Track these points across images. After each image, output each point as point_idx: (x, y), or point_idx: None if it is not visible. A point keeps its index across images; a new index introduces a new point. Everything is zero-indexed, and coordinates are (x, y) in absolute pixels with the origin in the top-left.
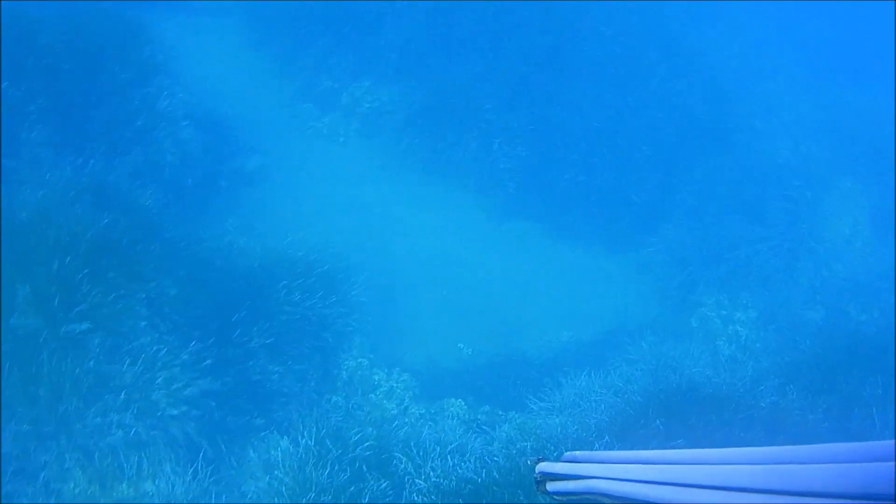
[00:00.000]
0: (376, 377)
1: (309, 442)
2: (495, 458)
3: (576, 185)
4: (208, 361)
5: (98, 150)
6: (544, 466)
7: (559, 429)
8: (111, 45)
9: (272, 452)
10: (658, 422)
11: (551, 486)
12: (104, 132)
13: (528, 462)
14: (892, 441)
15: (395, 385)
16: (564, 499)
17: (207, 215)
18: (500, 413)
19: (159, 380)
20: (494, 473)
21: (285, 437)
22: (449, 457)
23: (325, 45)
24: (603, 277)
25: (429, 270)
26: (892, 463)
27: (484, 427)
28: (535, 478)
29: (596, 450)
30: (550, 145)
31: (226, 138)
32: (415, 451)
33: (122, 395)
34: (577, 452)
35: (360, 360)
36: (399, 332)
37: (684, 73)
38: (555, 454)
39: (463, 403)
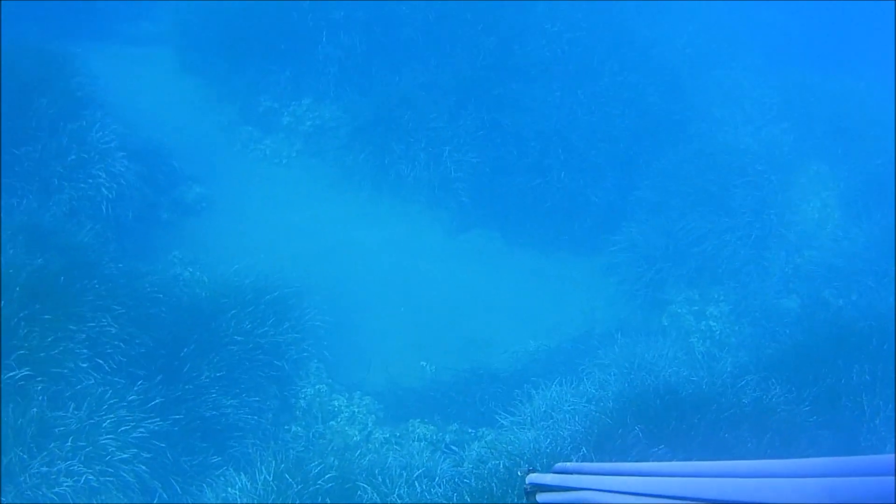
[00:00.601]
0: (336, 403)
1: (267, 477)
2: (466, 480)
3: (531, 189)
4: (157, 400)
5: (30, 189)
6: (535, 477)
7: (532, 444)
8: (36, 80)
9: (230, 490)
10: (637, 428)
11: (541, 498)
12: (35, 170)
13: (519, 473)
14: (891, 455)
15: (356, 410)
16: None
17: (150, 249)
18: (470, 431)
19: (106, 423)
20: (466, 496)
21: (242, 473)
22: (417, 483)
23: (262, 65)
24: (567, 282)
25: (385, 289)
26: (892, 477)
27: (452, 447)
28: (525, 489)
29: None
30: (502, 150)
31: (164, 168)
32: (380, 480)
33: (69, 442)
34: (568, 464)
35: (318, 386)
36: (358, 354)
37: (636, 67)
38: (541, 466)
39: (429, 424)
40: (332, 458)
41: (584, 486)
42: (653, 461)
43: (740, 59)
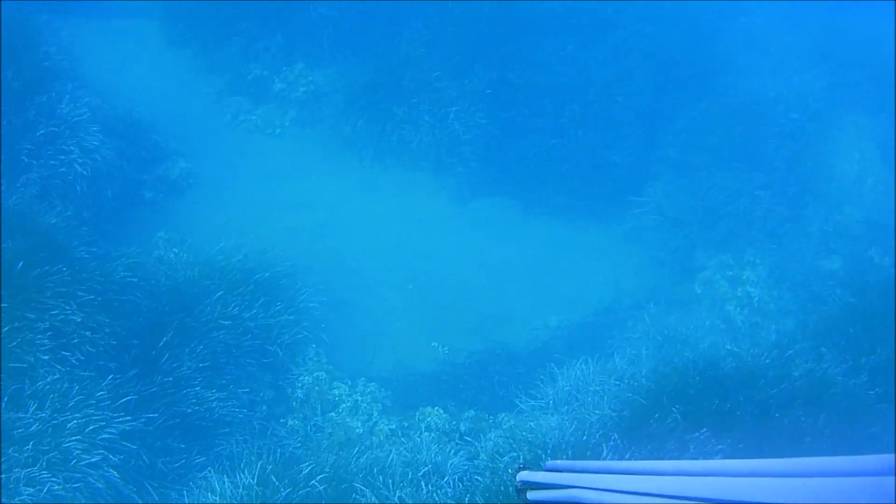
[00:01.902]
0: (337, 392)
1: (250, 480)
2: (477, 478)
3: (547, 150)
4: (130, 397)
5: None
6: (525, 475)
7: (556, 431)
8: None
9: (210, 496)
10: (675, 410)
11: (532, 496)
12: (0, 149)
13: (510, 471)
14: (891, 455)
15: (359, 399)
16: None
17: (132, 231)
18: (487, 418)
19: (72, 424)
20: (478, 497)
21: (224, 476)
22: (423, 482)
23: (251, 30)
24: (589, 251)
25: (390, 265)
26: (892, 477)
27: (467, 438)
28: (516, 486)
29: (605, 455)
30: (513, 109)
31: (146, 144)
32: (380, 480)
33: (30, 446)
34: (559, 461)
35: (317, 373)
36: (361, 337)
37: (654, 17)
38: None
39: (441, 411)
40: (329, 455)
41: (576, 484)
42: (694, 448)
43: (765, 4)
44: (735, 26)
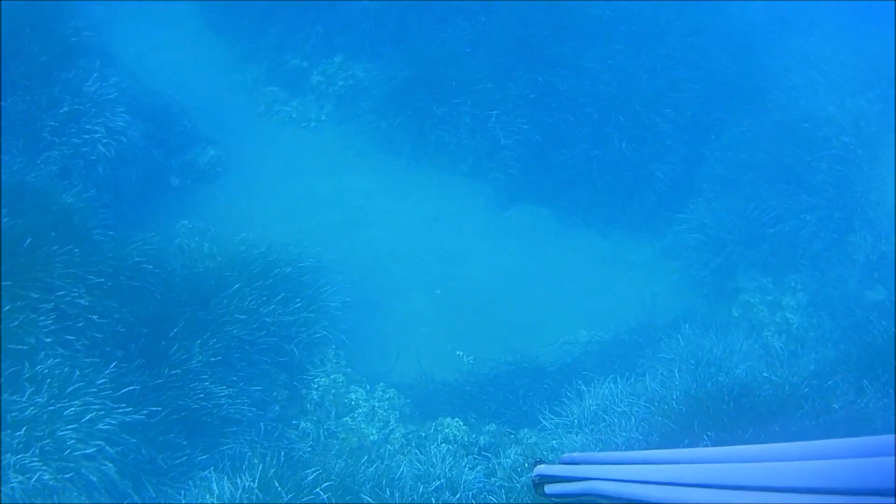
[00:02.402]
0: (354, 396)
1: (251, 483)
2: (492, 497)
3: (588, 160)
4: (134, 386)
5: (15, 144)
6: (542, 469)
7: (578, 450)
8: (27, 26)
9: (208, 498)
10: (706, 437)
11: (549, 489)
12: (22, 124)
13: (526, 465)
14: (890, 436)
15: (377, 404)
16: (562, 500)
17: (155, 217)
18: (508, 433)
19: (69, 411)
20: None
21: (225, 477)
22: (433, 497)
23: (290, 19)
24: (625, 266)
25: (419, 268)
26: (892, 458)
27: (486, 453)
28: (533, 480)
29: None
30: (556, 116)
31: (176, 129)
32: (387, 493)
33: (22, 432)
34: (576, 454)
35: (334, 376)
36: (383, 341)
37: (705, 27)
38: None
39: (461, 423)
40: (338, 462)
41: (592, 476)
42: None
43: (820, 23)
44: (789, 43)
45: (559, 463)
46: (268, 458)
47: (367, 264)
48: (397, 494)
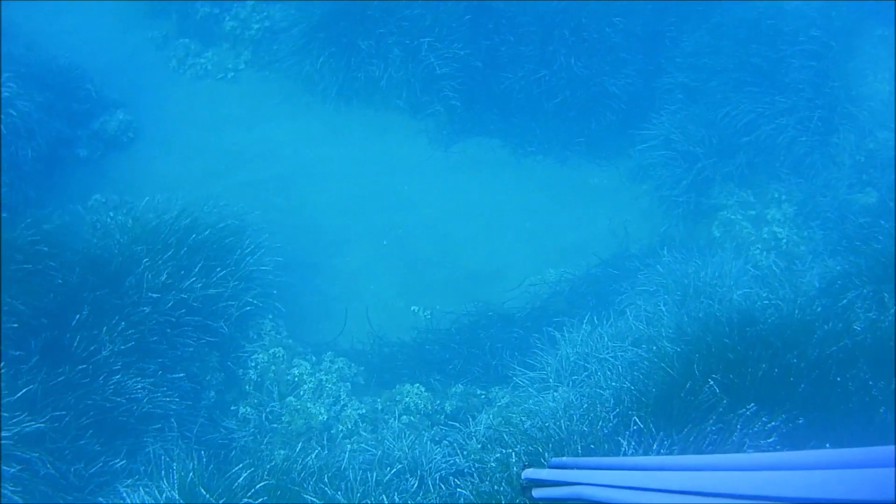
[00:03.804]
0: (297, 370)
1: (171, 494)
2: (457, 482)
3: (535, 82)
4: (30, 387)
5: None
6: (530, 472)
7: (561, 412)
8: None
9: None
10: (712, 381)
11: (537, 493)
12: None
13: (515, 469)
14: (891, 447)
15: (324, 378)
16: None
17: (62, 193)
18: (478, 394)
19: None
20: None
21: (140, 488)
22: (394, 488)
23: None
24: (590, 194)
25: (360, 219)
26: (892, 469)
27: (453, 422)
28: (521, 484)
29: (625, 448)
30: (495, 38)
31: (78, 96)
32: (331, 491)
33: None
34: (564, 458)
35: (273, 350)
36: (326, 304)
37: None
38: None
39: (423, 389)
40: (279, 454)
41: (581, 481)
42: (742, 427)
43: None
44: None
45: (548, 467)
46: (196, 459)
47: (302, 221)
48: (349, 488)
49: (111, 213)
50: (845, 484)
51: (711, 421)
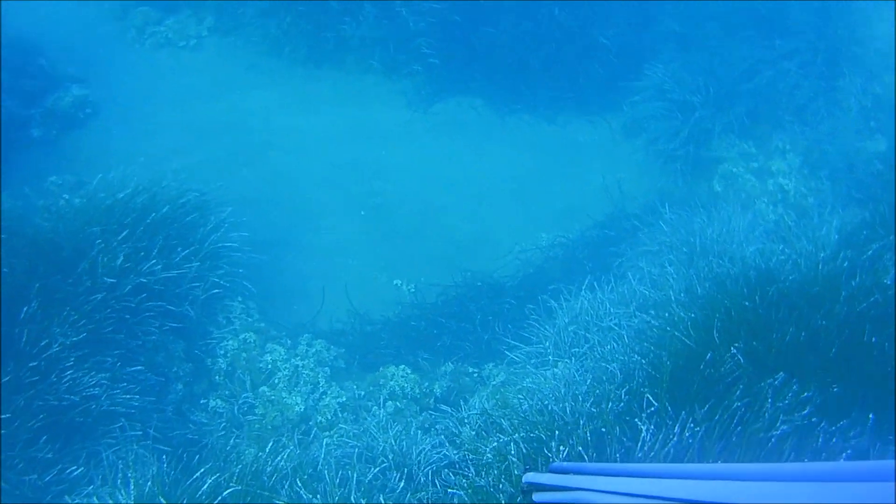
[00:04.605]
0: (271, 357)
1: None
2: (454, 491)
3: (518, 36)
4: None
5: None
6: (531, 477)
7: (564, 390)
8: None
9: None
10: (734, 349)
11: (538, 497)
12: None
13: (516, 472)
14: (891, 461)
15: (300, 364)
16: None
17: (14, 178)
18: (470, 372)
19: None
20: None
21: (95, 498)
22: (380, 493)
23: None
24: (582, 152)
25: (336, 190)
26: (892, 483)
27: (444, 406)
28: (522, 488)
29: (644, 432)
30: None
31: (30, 72)
32: (307, 495)
33: None
34: (566, 463)
35: (244, 335)
36: (302, 282)
37: None
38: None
39: (409, 371)
40: (249, 452)
41: (582, 487)
42: (774, 398)
43: None
44: None
45: (549, 471)
46: (157, 463)
47: (273, 194)
48: (326, 490)
49: (66, 196)
50: (845, 497)
51: (737, 392)
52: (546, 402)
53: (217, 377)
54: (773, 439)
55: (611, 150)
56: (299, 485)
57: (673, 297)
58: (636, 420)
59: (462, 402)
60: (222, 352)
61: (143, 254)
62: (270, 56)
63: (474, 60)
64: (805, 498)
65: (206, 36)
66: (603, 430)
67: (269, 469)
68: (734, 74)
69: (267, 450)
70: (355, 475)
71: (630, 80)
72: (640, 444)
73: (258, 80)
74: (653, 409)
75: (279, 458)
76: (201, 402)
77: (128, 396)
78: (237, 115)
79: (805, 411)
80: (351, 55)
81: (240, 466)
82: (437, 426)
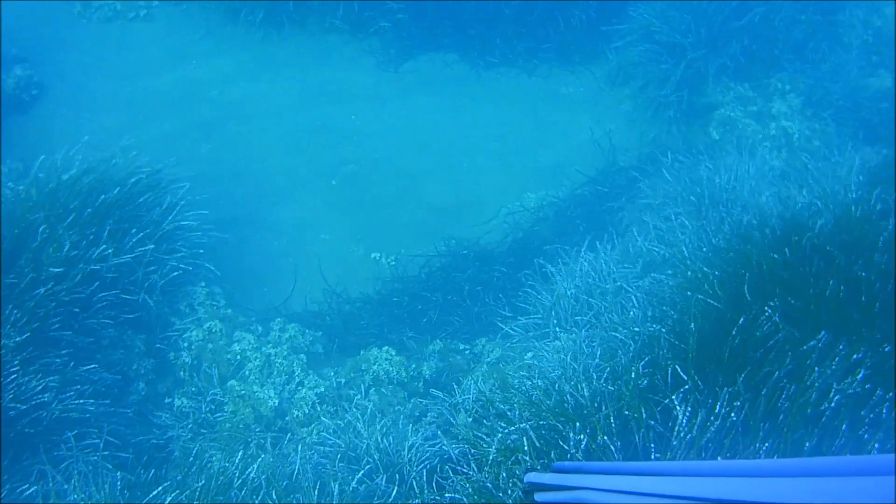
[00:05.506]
0: (239, 346)
1: None
2: (453, 495)
3: None
4: None
5: None
6: (533, 477)
7: (572, 366)
8: None
9: None
10: (768, 309)
11: (539, 497)
12: None
13: (517, 472)
14: (891, 455)
15: (272, 352)
16: None
17: None
18: (460, 349)
19: None
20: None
21: None
22: (362, 495)
23: None
24: (565, 105)
25: (303, 159)
26: (892, 477)
27: (434, 390)
28: (524, 488)
29: (677, 413)
30: None
31: None
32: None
33: None
34: (567, 462)
35: (209, 324)
36: (271, 262)
37: None
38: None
39: (393, 352)
40: (218, 454)
41: (583, 486)
42: (818, 361)
43: None
44: None
45: (550, 471)
46: (108, 484)
47: (234, 168)
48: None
49: (10, 184)
50: (846, 491)
51: (777, 358)
52: (553, 381)
53: (181, 373)
54: (827, 413)
55: (597, 100)
56: (274, 497)
57: (687, 253)
58: (664, 400)
59: (455, 385)
60: (186, 344)
61: (92, 238)
62: (226, 22)
63: (446, 14)
64: (805, 494)
65: (156, 5)
66: (626, 412)
67: (237, 483)
68: (726, 11)
69: (237, 460)
70: (337, 484)
71: (613, 24)
72: (675, 430)
73: (214, 48)
74: (687, 386)
75: (249, 470)
76: (166, 401)
77: (81, 401)
78: (192, 85)
79: (859, 376)
80: (312, 14)
81: (201, 483)
82: (429, 414)
